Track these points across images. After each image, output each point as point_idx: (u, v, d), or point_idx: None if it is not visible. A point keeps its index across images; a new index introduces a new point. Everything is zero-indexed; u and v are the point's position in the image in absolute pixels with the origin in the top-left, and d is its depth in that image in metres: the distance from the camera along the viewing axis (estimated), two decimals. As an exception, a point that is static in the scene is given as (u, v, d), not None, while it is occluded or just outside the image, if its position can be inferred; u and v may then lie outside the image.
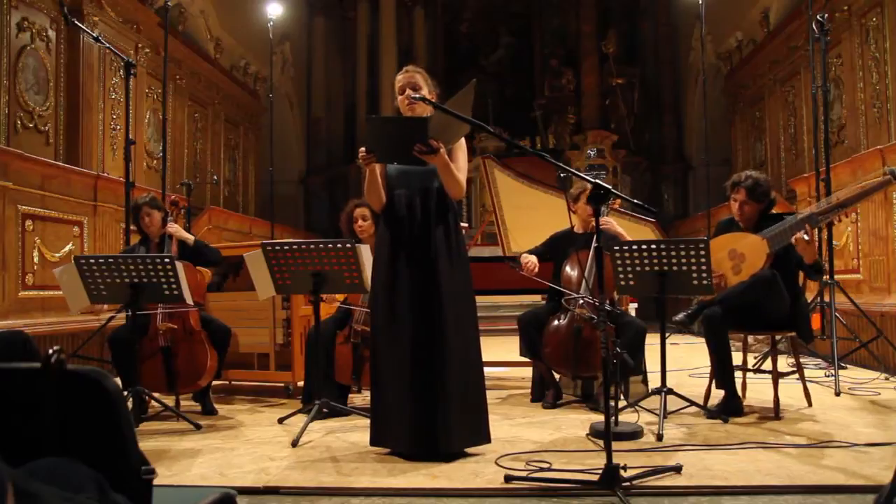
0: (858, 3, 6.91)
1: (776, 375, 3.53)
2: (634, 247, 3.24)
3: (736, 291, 3.42)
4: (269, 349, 4.49)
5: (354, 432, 3.26)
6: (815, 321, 4.69)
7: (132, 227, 4.64)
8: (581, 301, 3.72)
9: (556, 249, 4.06)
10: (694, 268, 3.18)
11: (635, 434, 3.04)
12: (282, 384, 4.50)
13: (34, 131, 6.19)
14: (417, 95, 2.89)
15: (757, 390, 3.97)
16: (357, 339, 3.93)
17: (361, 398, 4.11)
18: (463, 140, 2.94)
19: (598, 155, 11.59)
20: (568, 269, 3.94)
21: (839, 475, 2.39)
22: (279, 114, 11.42)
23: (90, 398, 1.09)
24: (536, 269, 3.88)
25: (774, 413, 3.44)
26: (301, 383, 4.25)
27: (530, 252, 4.06)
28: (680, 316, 3.46)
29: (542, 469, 2.50)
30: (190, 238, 4.07)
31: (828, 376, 4.40)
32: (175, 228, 4.02)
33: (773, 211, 3.72)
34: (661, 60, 12.76)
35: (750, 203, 3.56)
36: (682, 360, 5.40)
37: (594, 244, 3.37)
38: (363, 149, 2.80)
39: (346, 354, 3.94)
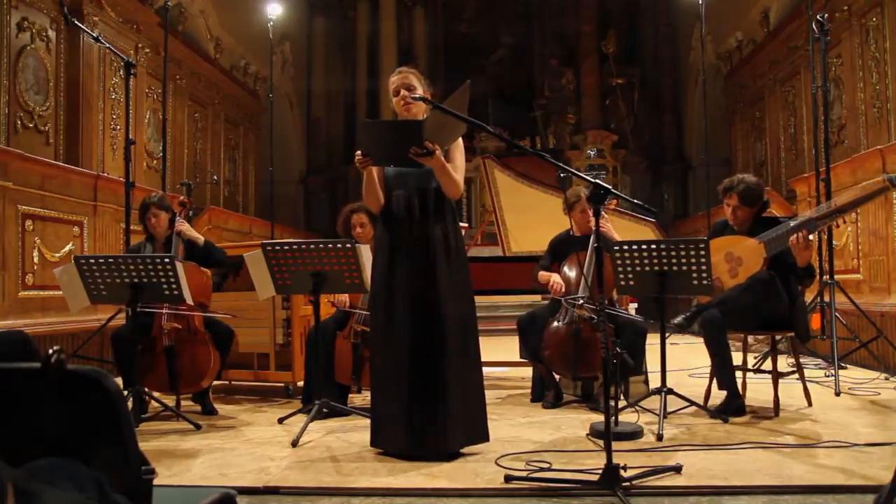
0: (858, 3, 6.91)
1: (776, 375, 3.53)
2: (634, 247, 3.24)
3: (734, 293, 3.42)
4: (269, 349, 4.49)
5: (354, 432, 3.26)
6: (815, 321, 4.69)
7: (136, 227, 4.64)
8: (581, 301, 3.72)
9: (557, 254, 4.07)
10: (694, 268, 3.18)
11: (635, 434, 3.04)
12: (282, 384, 4.50)
13: (34, 131, 6.19)
14: (417, 95, 2.89)
15: (757, 390, 3.97)
16: (357, 339, 3.93)
17: (361, 398, 4.11)
18: (460, 139, 2.94)
19: (598, 155, 11.60)
20: (566, 269, 3.94)
21: (839, 475, 2.39)
22: (279, 114, 11.42)
23: (90, 398, 1.09)
24: (564, 289, 3.85)
25: (774, 413, 3.44)
26: (301, 383, 4.25)
27: (541, 268, 4.04)
28: (678, 319, 3.46)
29: (542, 469, 2.50)
30: (200, 238, 4.07)
31: (828, 376, 4.40)
32: (186, 228, 4.02)
33: (770, 211, 3.73)
34: (661, 60, 12.76)
35: (743, 208, 3.57)
36: (682, 360, 5.40)
37: (594, 244, 3.37)
38: (359, 152, 2.81)
39: (346, 354, 3.94)
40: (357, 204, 4.00)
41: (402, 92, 2.94)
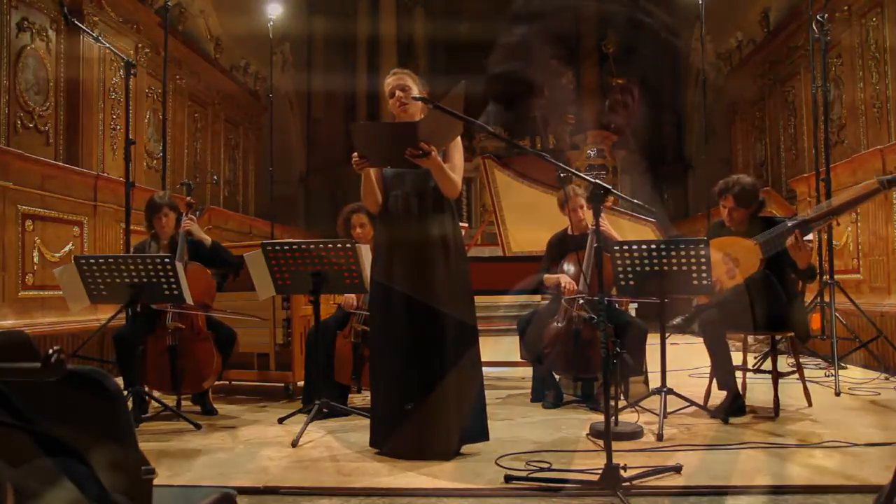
0: (858, 3, 6.91)
1: (776, 375, 3.53)
2: (634, 247, 3.24)
3: (732, 294, 3.43)
4: (269, 349, 4.49)
5: (354, 432, 3.26)
6: (815, 321, 4.69)
7: (136, 227, 4.63)
8: (580, 300, 3.72)
9: (555, 253, 4.06)
10: (694, 268, 3.18)
11: (635, 434, 3.04)
12: (282, 384, 4.50)
13: (34, 131, 6.18)
14: (416, 95, 2.89)
15: (757, 390, 3.97)
16: (357, 339, 3.93)
17: (361, 398, 4.11)
18: (458, 139, 2.94)
19: (598, 155, 11.58)
20: (565, 268, 3.94)
21: (839, 475, 2.40)
22: (279, 114, 11.41)
23: (90, 398, 1.09)
24: (576, 288, 3.84)
25: (774, 413, 3.44)
26: (301, 383, 4.25)
27: (545, 271, 4.03)
28: (677, 320, 3.47)
29: (542, 469, 2.50)
30: (207, 239, 4.07)
31: (828, 376, 4.40)
32: (195, 228, 4.02)
33: (767, 210, 3.73)
34: (661, 60, 12.75)
35: (738, 209, 3.57)
36: (682, 360, 5.40)
37: (595, 244, 3.37)
38: (356, 154, 2.80)
39: (346, 354, 3.94)
40: (357, 204, 4.00)
41: (398, 93, 2.94)
